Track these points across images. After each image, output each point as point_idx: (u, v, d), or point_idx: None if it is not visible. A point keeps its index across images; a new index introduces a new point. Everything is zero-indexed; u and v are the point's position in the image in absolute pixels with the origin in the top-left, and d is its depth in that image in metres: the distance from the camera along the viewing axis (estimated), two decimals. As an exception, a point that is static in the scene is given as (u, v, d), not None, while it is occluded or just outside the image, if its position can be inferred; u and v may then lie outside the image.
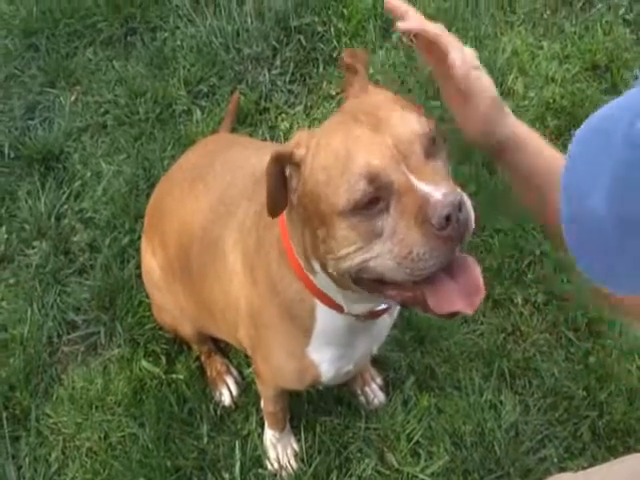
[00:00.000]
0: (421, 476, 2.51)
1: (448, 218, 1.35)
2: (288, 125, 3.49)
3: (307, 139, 1.56)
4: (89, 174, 3.38)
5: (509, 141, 1.70)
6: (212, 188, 2.21)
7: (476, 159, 3.21)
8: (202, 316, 2.36)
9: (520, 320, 2.84)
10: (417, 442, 2.59)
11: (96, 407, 2.78)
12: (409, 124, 1.46)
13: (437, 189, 1.37)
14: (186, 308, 2.43)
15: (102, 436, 2.71)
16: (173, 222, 2.33)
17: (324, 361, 1.97)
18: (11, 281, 3.12)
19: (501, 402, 2.64)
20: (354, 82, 1.66)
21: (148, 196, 3.16)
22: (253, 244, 1.94)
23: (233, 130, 3.33)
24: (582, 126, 1.13)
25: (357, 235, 1.47)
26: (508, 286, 2.91)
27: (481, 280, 1.50)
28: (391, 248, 1.44)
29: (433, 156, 1.47)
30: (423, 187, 1.38)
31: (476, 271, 1.51)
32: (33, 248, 3.19)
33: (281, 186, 1.60)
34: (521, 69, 3.58)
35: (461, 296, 1.48)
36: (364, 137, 1.46)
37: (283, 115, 3.54)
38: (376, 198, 1.42)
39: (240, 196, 2.08)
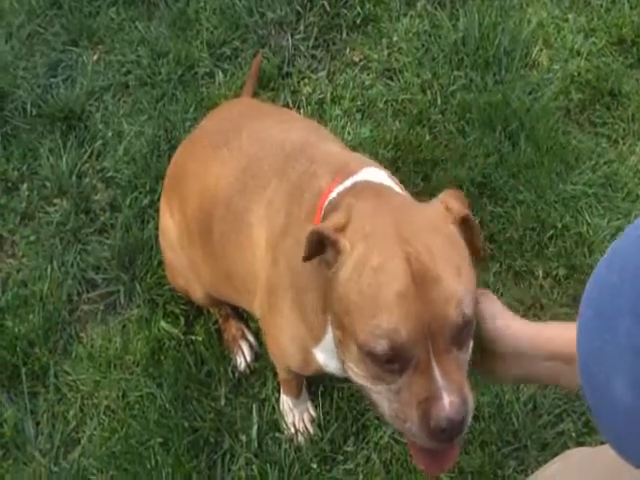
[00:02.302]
0: (438, 445, 2.52)
1: (444, 430, 1.39)
2: (310, 90, 3.47)
3: (355, 230, 1.52)
4: (110, 134, 3.38)
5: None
6: (238, 157, 2.19)
7: (500, 129, 3.20)
8: (221, 282, 2.35)
9: (540, 293, 2.83)
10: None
11: (114, 366, 2.79)
12: (453, 304, 1.41)
13: (449, 391, 1.39)
14: (204, 272, 2.42)
15: (120, 395, 2.73)
16: (195, 185, 2.32)
17: (330, 364, 1.93)
18: (32, 238, 3.12)
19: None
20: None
21: (169, 157, 3.16)
22: (280, 226, 1.93)
23: (255, 94, 3.31)
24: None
25: (366, 370, 1.49)
26: (529, 258, 2.90)
27: (456, 456, 1.57)
28: (392, 401, 1.47)
29: (460, 344, 1.45)
30: (438, 379, 1.40)
31: (456, 452, 1.56)
32: (54, 206, 3.20)
33: (319, 248, 1.57)
34: (546, 41, 3.55)
35: (434, 464, 1.56)
36: (406, 296, 1.40)
37: (305, 80, 3.53)
38: (393, 359, 1.42)
39: (270, 172, 2.06)
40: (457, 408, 1.38)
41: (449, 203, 1.57)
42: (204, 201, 2.26)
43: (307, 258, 1.59)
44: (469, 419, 1.45)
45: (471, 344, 1.50)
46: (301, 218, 1.87)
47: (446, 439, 1.43)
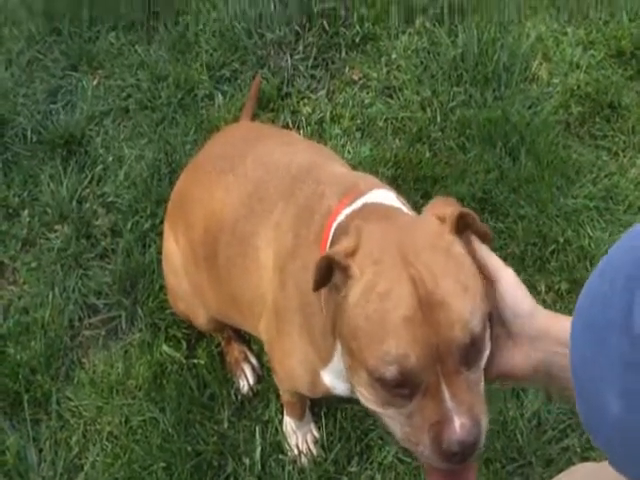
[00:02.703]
0: (442, 464, 2.50)
1: (456, 453, 1.38)
2: (310, 110, 3.47)
3: (364, 256, 1.49)
4: (111, 158, 3.38)
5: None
6: (243, 182, 2.18)
7: (500, 145, 3.19)
8: (226, 306, 2.33)
9: (543, 307, 2.80)
10: (439, 430, 2.57)
11: (117, 391, 2.78)
12: (459, 327, 1.39)
13: (459, 413, 1.37)
14: (209, 297, 2.41)
15: (123, 420, 2.71)
16: (200, 211, 2.31)
17: (338, 387, 1.91)
18: (33, 265, 3.12)
19: (523, 390, 2.61)
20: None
21: (170, 181, 3.18)
22: (288, 248, 1.92)
23: (255, 116, 3.31)
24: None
25: (376, 396, 1.47)
26: (531, 273, 2.89)
27: (473, 478, 1.51)
28: (402, 425, 1.45)
29: (469, 364, 1.42)
30: (448, 402, 1.38)
31: (472, 471, 1.51)
32: (55, 232, 3.19)
33: (328, 274, 1.55)
34: (545, 55, 3.55)
35: None
36: (413, 321, 1.38)
37: (305, 100, 3.53)
38: (402, 384, 1.41)
39: (276, 195, 2.05)
40: (468, 430, 1.36)
41: (440, 212, 1.55)
42: (210, 226, 2.25)
43: (316, 286, 1.56)
44: (483, 439, 1.42)
45: (485, 358, 1.47)
46: (309, 240, 1.86)
47: (459, 461, 1.41)
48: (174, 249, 2.50)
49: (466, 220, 1.54)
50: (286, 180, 2.06)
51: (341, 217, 1.78)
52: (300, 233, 1.90)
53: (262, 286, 2.04)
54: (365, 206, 1.79)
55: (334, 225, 1.78)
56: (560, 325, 1.46)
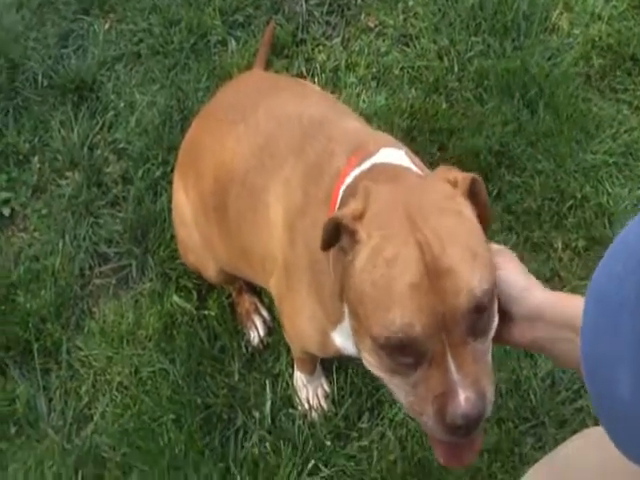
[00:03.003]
0: (453, 422, 2.48)
1: (460, 426, 1.35)
2: (325, 57, 3.41)
3: (371, 220, 1.47)
4: (122, 104, 3.33)
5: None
6: (255, 133, 2.13)
7: (518, 96, 3.13)
8: (237, 259, 2.30)
9: (559, 265, 2.77)
10: (450, 386, 2.55)
11: (127, 341, 2.76)
12: (466, 295, 1.36)
13: (464, 386, 1.34)
14: (219, 250, 2.38)
15: (132, 371, 2.70)
16: (210, 160, 2.27)
17: (349, 347, 1.85)
18: (43, 212, 3.09)
19: (538, 350, 2.59)
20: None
21: (182, 128, 3.14)
22: (297, 205, 1.88)
23: (268, 62, 3.26)
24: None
25: (382, 363, 1.45)
26: (548, 229, 2.84)
27: (478, 447, 1.51)
28: (407, 394, 1.43)
29: (477, 334, 1.39)
30: (453, 374, 1.35)
31: (477, 444, 1.51)
32: (66, 179, 3.16)
33: (336, 235, 1.52)
34: (566, 5, 3.46)
35: (453, 456, 1.51)
36: (419, 288, 1.35)
37: (320, 47, 3.46)
38: (407, 353, 1.38)
39: (286, 149, 2.01)
40: (473, 404, 1.34)
41: (451, 176, 1.53)
42: (220, 177, 2.21)
43: (324, 247, 1.55)
44: (488, 412, 1.40)
45: (493, 329, 1.45)
46: (319, 199, 1.83)
47: (463, 434, 1.39)
48: (184, 200, 2.47)
49: (476, 187, 1.52)
50: (297, 134, 2.02)
51: (349, 179, 1.75)
52: (309, 191, 1.86)
53: (272, 243, 2.01)
54: (374, 167, 1.75)
55: (342, 187, 1.74)
56: (555, 306, 1.46)
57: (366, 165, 1.75)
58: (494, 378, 1.43)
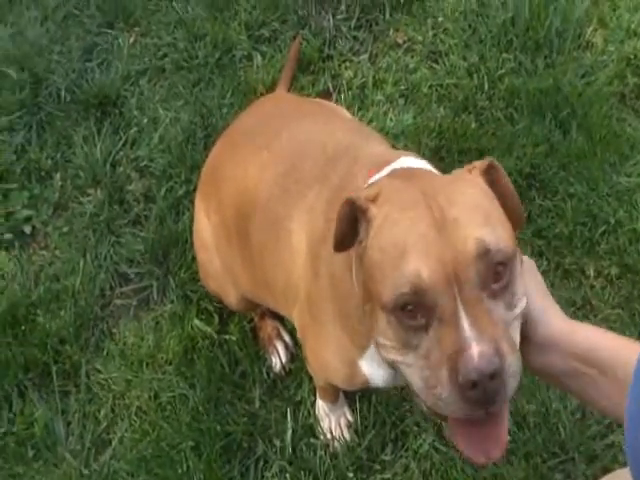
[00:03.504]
0: (480, 456, 2.41)
1: (475, 383, 1.25)
2: (352, 74, 3.35)
3: (385, 199, 1.45)
4: (146, 120, 3.29)
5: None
6: (278, 160, 2.09)
7: (550, 116, 3.06)
8: (259, 288, 2.25)
9: (591, 293, 2.69)
10: (477, 419, 2.48)
11: (147, 364, 2.72)
12: (475, 244, 1.32)
13: (479, 341, 1.26)
14: (241, 277, 2.33)
15: (152, 395, 2.65)
16: (233, 186, 2.22)
17: (376, 376, 1.82)
18: (65, 229, 3.06)
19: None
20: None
21: (205, 145, 3.10)
22: (320, 233, 1.83)
23: (294, 78, 3.21)
24: None
25: (394, 335, 1.39)
26: (579, 256, 2.76)
27: (504, 439, 1.38)
28: (422, 367, 1.34)
29: (493, 294, 1.33)
30: (466, 328, 1.27)
31: (502, 430, 1.38)
32: (88, 196, 3.13)
33: (350, 226, 1.50)
34: (601, 20, 3.38)
35: (477, 446, 1.39)
36: (425, 238, 1.33)
37: (347, 63, 3.41)
38: (417, 311, 1.32)
39: (311, 177, 1.96)
40: (488, 359, 1.24)
41: (470, 166, 1.52)
42: (242, 204, 2.17)
43: (338, 235, 1.52)
44: (510, 381, 1.29)
45: (520, 303, 1.38)
46: None
47: (480, 400, 1.27)
48: (205, 224, 2.42)
49: (494, 174, 1.48)
50: (321, 161, 1.97)
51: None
52: (331, 217, 1.80)
53: (295, 272, 1.96)
54: (393, 170, 1.72)
55: None
56: (571, 339, 1.41)
57: (385, 171, 1.72)
58: (518, 354, 1.33)
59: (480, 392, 1.26)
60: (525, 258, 1.52)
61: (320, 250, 1.83)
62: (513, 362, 1.29)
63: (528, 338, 1.43)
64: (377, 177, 1.71)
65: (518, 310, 1.38)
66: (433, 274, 1.29)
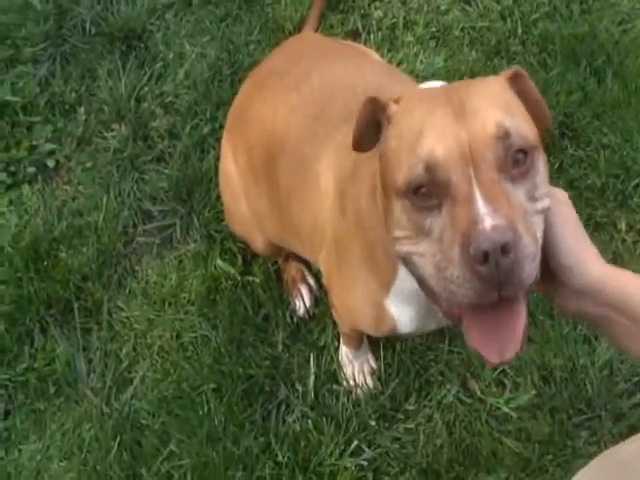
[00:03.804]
0: (505, 409, 2.39)
1: (486, 256, 1.21)
2: (382, 14, 3.28)
3: (407, 98, 1.46)
4: (171, 55, 3.23)
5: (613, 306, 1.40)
6: (308, 102, 2.05)
7: (585, 64, 2.99)
8: (286, 232, 2.23)
9: (622, 247, 2.64)
10: (502, 371, 2.45)
11: (169, 304, 2.70)
12: (493, 123, 1.30)
13: (493, 215, 1.22)
14: (267, 221, 2.30)
15: (174, 335, 2.64)
16: (261, 128, 2.18)
17: (403, 317, 1.80)
18: (88, 165, 3.02)
19: (596, 337, 2.48)
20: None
21: (231, 83, 3.05)
22: (348, 170, 1.80)
23: (322, 17, 3.14)
24: None
25: (408, 221, 1.36)
26: (612, 209, 2.71)
27: (519, 335, 1.32)
28: (434, 253, 1.31)
29: (515, 178, 1.30)
30: (480, 205, 1.24)
31: (517, 323, 1.33)
32: (112, 131, 3.08)
33: (371, 128, 1.49)
34: (640, -35, 3.29)
35: (491, 342, 1.33)
36: (442, 120, 1.32)
37: (377, 3, 3.33)
38: (430, 191, 1.30)
39: (340, 118, 1.94)
40: (501, 231, 1.21)
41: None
42: (271, 146, 2.13)
43: (358, 130, 1.51)
44: (525, 263, 1.24)
45: (543, 202, 1.36)
46: (369, 165, 1.73)
47: (493, 277, 1.23)
48: (232, 168, 2.38)
49: (520, 82, 1.45)
50: (351, 103, 1.92)
51: None
52: (359, 157, 1.77)
53: (322, 215, 1.94)
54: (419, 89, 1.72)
55: None
56: (612, 286, 1.37)
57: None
58: (539, 241, 1.32)
59: (492, 267, 1.22)
60: (559, 191, 1.48)
61: (347, 188, 1.81)
62: (529, 244, 1.26)
63: (562, 282, 1.41)
64: None
65: (540, 205, 1.34)
66: (448, 152, 1.29)
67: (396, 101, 1.46)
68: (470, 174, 1.26)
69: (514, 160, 1.30)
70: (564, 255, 1.39)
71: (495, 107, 1.33)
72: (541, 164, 1.37)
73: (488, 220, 1.21)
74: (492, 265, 1.21)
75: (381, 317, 1.86)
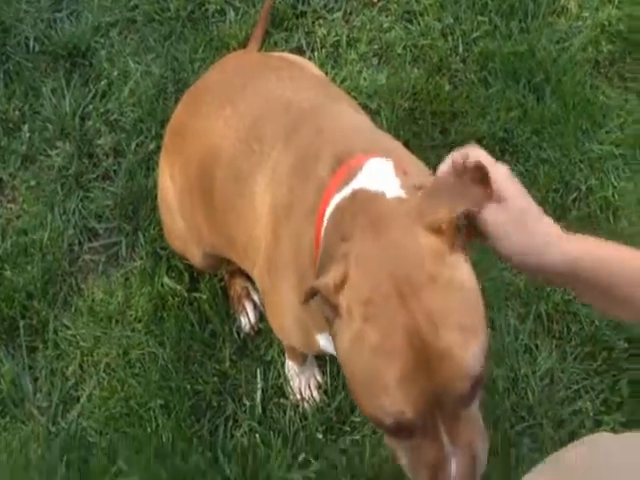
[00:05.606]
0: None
1: None
2: (325, 32, 3.31)
3: (353, 291, 1.34)
4: (116, 73, 3.23)
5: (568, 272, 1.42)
6: (242, 116, 2.04)
7: (524, 81, 3.06)
8: (223, 245, 2.23)
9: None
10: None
11: (116, 321, 2.70)
12: (460, 378, 1.27)
13: (458, 456, 1.30)
14: (205, 235, 2.31)
15: (121, 352, 2.64)
16: (198, 142, 2.18)
17: (331, 348, 1.74)
18: (32, 183, 3.01)
19: (537, 346, 2.53)
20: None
21: (177, 100, 3.03)
22: (283, 200, 1.80)
23: (267, 34, 3.17)
24: None
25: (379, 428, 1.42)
26: (551, 222, 2.76)
27: None
28: (405, 452, 1.38)
29: (469, 403, 1.33)
30: (446, 446, 1.30)
31: None
32: (56, 149, 3.07)
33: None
34: (576, -15, 3.37)
35: None
36: (408, 375, 1.26)
37: (320, 21, 3.36)
38: (398, 429, 1.32)
39: (273, 135, 1.91)
40: (466, 470, 1.31)
41: (434, 221, 1.38)
42: (206, 161, 2.13)
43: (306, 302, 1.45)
44: (482, 470, 1.36)
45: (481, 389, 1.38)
46: (304, 206, 1.71)
47: None
48: (169, 185, 2.39)
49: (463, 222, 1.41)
50: (285, 120, 1.93)
51: (332, 205, 1.60)
52: (295, 191, 1.76)
53: (256, 229, 1.92)
54: (355, 194, 1.56)
55: (327, 212, 1.61)
56: (581, 267, 1.40)
57: (347, 191, 1.58)
58: (487, 434, 1.37)
59: None
60: (499, 165, 1.48)
61: (282, 218, 1.80)
62: (485, 453, 1.36)
63: (513, 241, 1.41)
64: (339, 199, 1.59)
65: (482, 390, 1.38)
66: (417, 412, 1.28)
67: (340, 286, 1.35)
68: (436, 414, 1.29)
69: (472, 390, 1.31)
70: (518, 251, 1.41)
71: (461, 349, 1.27)
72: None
73: (454, 462, 1.30)
74: None
75: (311, 344, 1.88)
